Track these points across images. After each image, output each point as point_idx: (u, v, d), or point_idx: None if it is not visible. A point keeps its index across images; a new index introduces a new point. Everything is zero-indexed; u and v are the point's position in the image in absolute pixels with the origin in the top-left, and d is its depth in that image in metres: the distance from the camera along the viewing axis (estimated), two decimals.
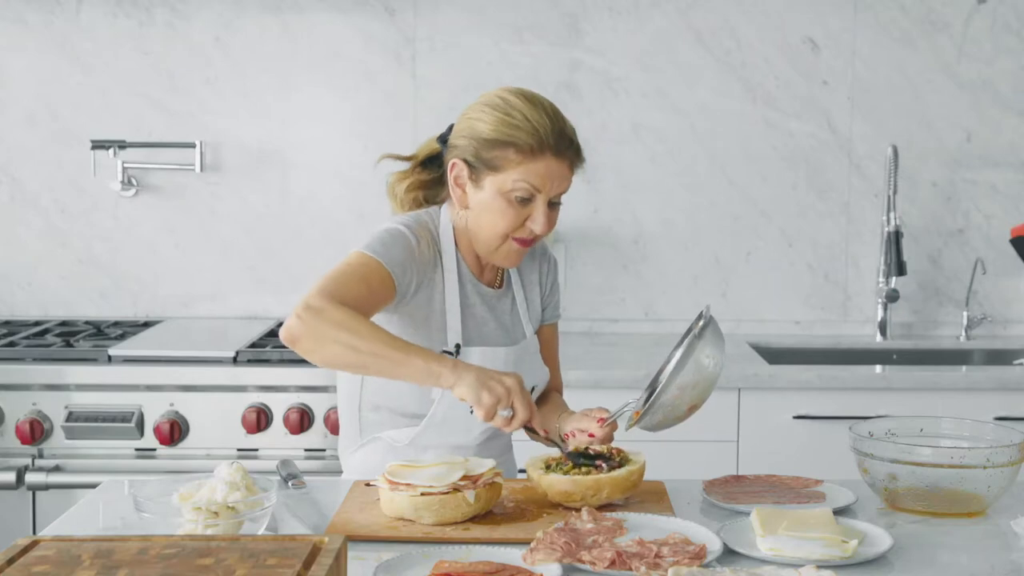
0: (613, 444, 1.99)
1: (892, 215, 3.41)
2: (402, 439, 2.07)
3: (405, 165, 2.18)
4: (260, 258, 3.54)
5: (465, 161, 2.02)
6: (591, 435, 2.00)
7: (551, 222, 2.03)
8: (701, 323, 1.91)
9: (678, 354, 1.90)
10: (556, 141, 1.99)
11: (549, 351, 2.27)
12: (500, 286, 2.17)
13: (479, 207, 2.03)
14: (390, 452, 2.07)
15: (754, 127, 3.53)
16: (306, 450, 2.93)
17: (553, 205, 2.03)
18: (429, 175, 2.16)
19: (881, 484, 1.91)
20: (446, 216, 2.12)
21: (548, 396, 2.25)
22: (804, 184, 3.55)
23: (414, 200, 2.17)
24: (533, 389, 2.16)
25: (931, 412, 2.80)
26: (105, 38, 3.47)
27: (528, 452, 2.07)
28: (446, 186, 2.10)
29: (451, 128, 2.09)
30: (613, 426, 2.00)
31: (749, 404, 2.98)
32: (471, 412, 2.05)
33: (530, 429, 1.91)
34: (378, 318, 2.05)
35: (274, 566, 1.34)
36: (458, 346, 2.05)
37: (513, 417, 1.85)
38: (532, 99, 2.02)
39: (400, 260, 1.99)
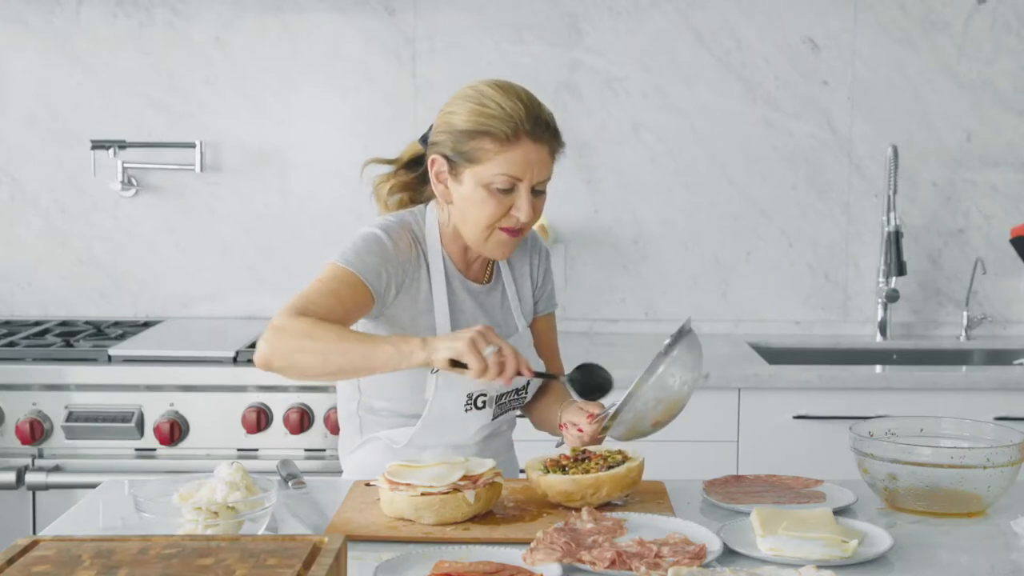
0: (615, 448, 1.98)
1: (892, 215, 3.41)
2: (400, 439, 2.07)
3: (390, 168, 2.19)
4: (260, 258, 3.54)
5: (444, 156, 2.02)
6: (580, 430, 2.00)
7: (536, 210, 2.02)
8: (670, 340, 1.89)
9: (646, 369, 1.88)
10: (532, 126, 1.97)
11: (547, 342, 2.26)
12: (488, 281, 2.16)
13: (461, 201, 2.02)
14: (389, 452, 2.07)
15: (754, 127, 3.53)
16: (306, 450, 2.93)
17: (537, 193, 2.01)
18: (411, 175, 2.17)
19: (881, 484, 1.91)
20: (432, 215, 2.11)
21: (549, 386, 2.24)
22: (804, 184, 3.55)
23: (399, 202, 2.17)
24: (529, 383, 2.15)
25: (931, 412, 2.80)
26: (105, 38, 3.47)
27: (529, 452, 2.07)
28: (430, 184, 2.09)
29: (431, 127, 2.09)
30: (602, 423, 2.00)
31: (749, 404, 2.98)
32: (467, 410, 2.05)
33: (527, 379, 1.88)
34: (363, 325, 2.05)
35: (274, 566, 1.34)
36: None
37: (503, 357, 1.80)
38: (505, 87, 2.01)
39: (374, 266, 1.99)
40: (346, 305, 1.95)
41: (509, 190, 1.99)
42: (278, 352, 1.87)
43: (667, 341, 1.89)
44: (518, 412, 2.20)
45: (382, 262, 2.00)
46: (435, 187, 2.06)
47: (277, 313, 1.90)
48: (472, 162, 1.98)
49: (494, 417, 2.11)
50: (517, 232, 2.03)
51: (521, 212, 1.99)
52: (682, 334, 1.90)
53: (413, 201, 2.17)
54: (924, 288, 3.58)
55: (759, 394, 2.98)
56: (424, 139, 2.10)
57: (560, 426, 2.05)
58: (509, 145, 1.96)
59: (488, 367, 1.80)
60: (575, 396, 1.99)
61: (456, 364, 1.82)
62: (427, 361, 1.83)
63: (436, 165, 2.04)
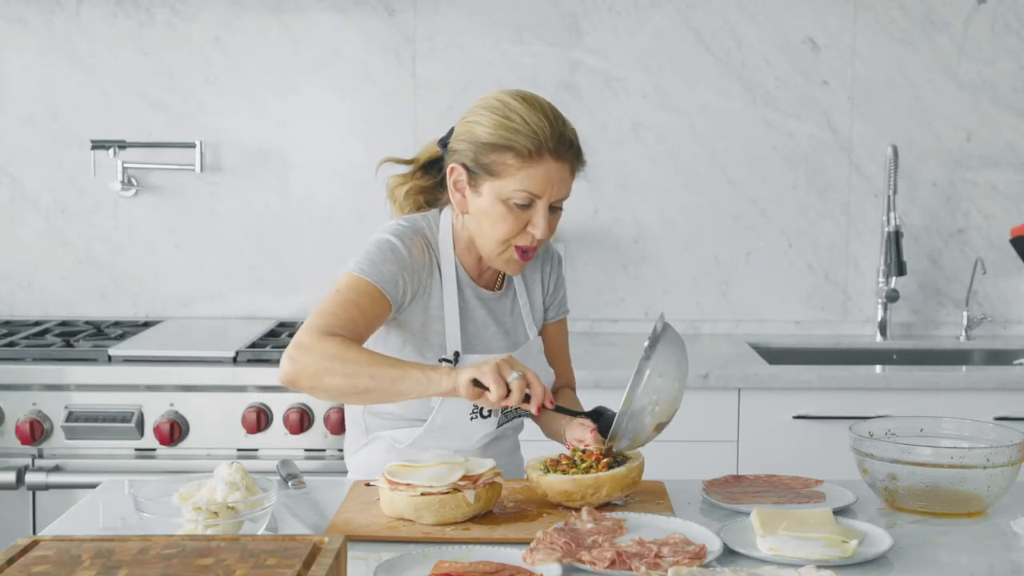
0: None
1: (892, 215, 3.42)
2: (404, 439, 2.07)
3: (406, 168, 2.17)
4: (260, 258, 3.54)
5: (464, 166, 2.00)
6: (586, 446, 1.99)
7: (552, 227, 2.01)
8: (647, 343, 1.88)
9: (632, 376, 1.87)
10: (556, 144, 1.96)
11: (557, 348, 2.25)
12: (500, 288, 2.16)
13: (479, 213, 2.01)
14: (392, 451, 2.07)
15: (754, 127, 3.53)
16: (306, 450, 2.93)
17: (554, 210, 2.01)
18: (429, 180, 2.15)
19: (881, 484, 1.91)
20: (446, 220, 2.10)
21: (560, 394, 2.24)
22: (804, 184, 3.55)
23: (414, 204, 2.16)
24: None
25: (931, 412, 2.80)
26: (105, 38, 3.47)
27: (535, 453, 2.06)
28: (447, 190, 2.08)
29: (452, 131, 2.07)
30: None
31: (749, 404, 2.98)
32: (471, 419, 2.05)
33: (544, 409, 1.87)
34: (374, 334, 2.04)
35: (274, 566, 1.34)
36: (457, 354, 2.04)
37: (526, 382, 1.81)
38: (531, 101, 1.98)
39: (391, 274, 1.98)
40: (367, 316, 1.95)
41: (527, 206, 1.98)
42: (305, 372, 1.87)
43: (645, 344, 1.89)
44: (525, 416, 2.19)
45: (398, 270, 1.99)
46: (452, 196, 2.04)
47: (301, 330, 1.90)
48: (492, 175, 1.97)
49: (499, 426, 2.11)
50: (531, 251, 2.02)
51: (537, 229, 1.98)
52: (659, 332, 1.89)
53: (429, 204, 2.16)
54: (924, 288, 3.58)
55: (759, 394, 2.98)
56: (444, 143, 2.09)
57: (567, 446, 2.04)
58: (531, 162, 1.95)
59: (512, 391, 1.80)
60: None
61: (478, 386, 1.82)
62: (452, 388, 1.83)
63: (455, 174, 2.02)
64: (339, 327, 1.90)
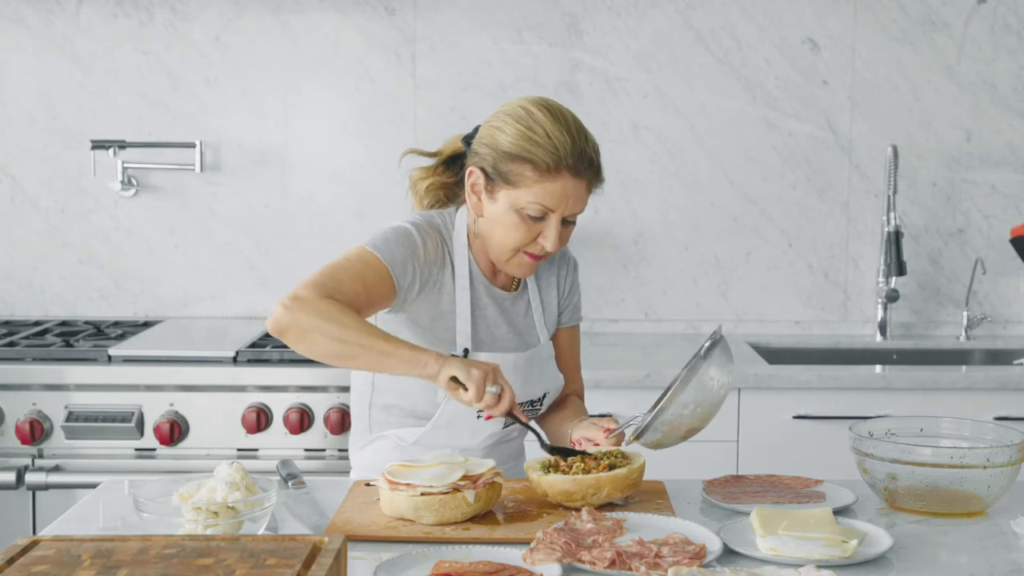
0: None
1: (892, 215, 3.42)
2: (408, 438, 2.07)
3: (428, 160, 2.18)
4: (260, 258, 3.54)
5: (483, 170, 2.01)
6: (596, 445, 1.99)
7: (563, 239, 2.02)
8: (708, 343, 1.89)
9: (683, 373, 1.88)
10: (575, 161, 1.96)
11: (568, 355, 2.25)
12: (515, 289, 2.16)
13: (492, 218, 2.02)
14: (397, 450, 2.07)
15: (754, 127, 3.53)
16: (306, 450, 2.93)
17: (567, 223, 2.01)
18: (451, 177, 2.16)
19: (881, 484, 1.91)
20: (462, 219, 2.11)
21: (567, 401, 2.23)
22: (804, 184, 3.55)
23: (435, 199, 2.17)
24: (545, 396, 2.15)
25: (931, 412, 2.80)
26: (105, 38, 3.47)
27: (540, 455, 2.06)
28: None
29: (477, 130, 2.07)
30: (619, 437, 1.99)
31: (749, 404, 2.98)
32: (478, 416, 2.05)
33: (514, 417, 1.91)
34: (383, 321, 2.04)
35: (274, 566, 1.34)
36: (467, 350, 2.04)
37: (502, 394, 1.84)
38: (556, 114, 1.99)
39: (401, 258, 1.99)
40: (370, 292, 1.95)
41: (540, 218, 1.98)
42: (296, 324, 1.86)
43: (705, 344, 1.90)
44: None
45: (410, 256, 2.00)
46: (468, 198, 2.05)
47: (302, 284, 1.89)
48: (509, 184, 1.97)
49: (505, 425, 2.11)
50: (540, 257, 2.03)
51: (548, 241, 1.99)
52: (717, 338, 1.90)
53: (449, 200, 2.17)
54: (924, 288, 3.58)
55: (759, 394, 2.98)
56: (467, 140, 2.09)
57: (572, 443, 2.04)
58: (549, 176, 1.95)
59: (483, 400, 1.84)
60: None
61: (457, 383, 1.85)
62: (436, 375, 1.85)
63: (473, 177, 2.03)
64: (340, 293, 1.90)
